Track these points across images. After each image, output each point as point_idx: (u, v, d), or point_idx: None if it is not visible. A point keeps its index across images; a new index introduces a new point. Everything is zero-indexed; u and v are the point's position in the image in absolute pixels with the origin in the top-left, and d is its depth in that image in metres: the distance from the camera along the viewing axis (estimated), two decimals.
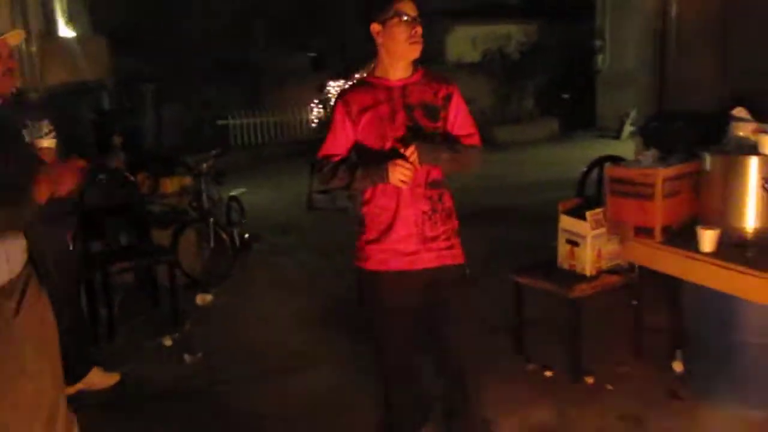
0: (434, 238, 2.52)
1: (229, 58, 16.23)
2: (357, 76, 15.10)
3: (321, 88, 16.52)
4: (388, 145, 2.46)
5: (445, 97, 2.54)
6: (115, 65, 10.06)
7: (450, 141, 2.54)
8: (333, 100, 2.62)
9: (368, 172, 2.45)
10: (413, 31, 2.42)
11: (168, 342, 4.45)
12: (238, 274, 5.85)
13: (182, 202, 6.16)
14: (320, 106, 16.60)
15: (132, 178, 5.64)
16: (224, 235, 5.84)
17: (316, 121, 16.70)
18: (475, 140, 2.62)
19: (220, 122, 15.73)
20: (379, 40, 2.45)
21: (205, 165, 6.11)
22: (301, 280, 5.80)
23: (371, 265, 2.55)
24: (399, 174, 2.39)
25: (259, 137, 16.22)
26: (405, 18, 2.40)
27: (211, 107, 15.67)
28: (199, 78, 15.34)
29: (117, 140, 6.43)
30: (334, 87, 15.89)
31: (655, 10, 5.49)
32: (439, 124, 2.52)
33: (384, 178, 2.42)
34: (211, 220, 5.81)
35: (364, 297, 2.64)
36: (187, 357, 4.20)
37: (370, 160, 2.46)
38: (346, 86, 2.70)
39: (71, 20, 9.93)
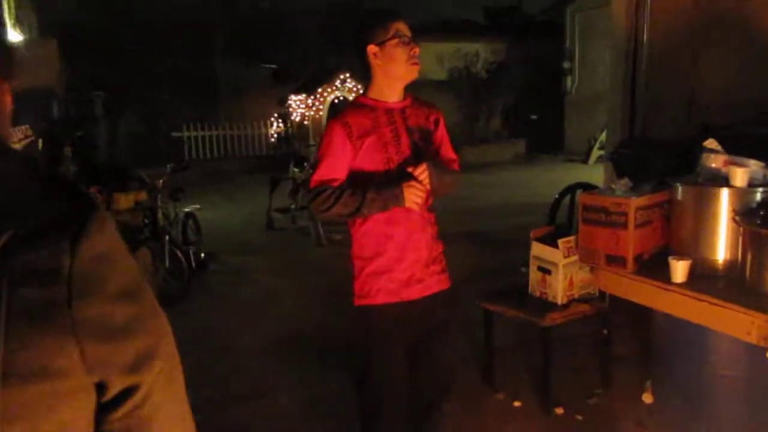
0: (434, 261, 2.58)
1: (187, 68, 16.17)
2: (320, 90, 15.18)
3: (282, 102, 16.54)
4: (393, 168, 2.43)
5: (434, 121, 2.62)
6: (65, 70, 9.95)
7: (443, 164, 2.61)
8: (328, 123, 2.58)
9: (381, 195, 2.37)
10: (412, 52, 2.46)
11: None
12: (194, 296, 5.81)
13: (136, 218, 6.10)
14: (280, 120, 16.60)
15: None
16: (180, 255, 5.81)
17: (275, 135, 16.69)
18: (457, 165, 2.70)
19: (175, 134, 15.61)
20: (377, 61, 2.44)
21: (161, 180, 6.08)
22: (261, 303, 5.78)
23: (382, 297, 2.47)
24: (414, 195, 2.37)
25: (216, 151, 16.16)
26: (404, 39, 2.44)
27: (167, 118, 15.55)
28: (155, 87, 15.23)
29: (67, 151, 6.35)
30: (295, 101, 15.92)
31: (625, 34, 5.66)
32: (433, 147, 2.59)
33: (399, 200, 2.37)
34: (167, 238, 5.77)
35: (369, 337, 2.49)
36: None
37: (366, 186, 2.40)
38: (343, 108, 2.65)
39: (19, 23, 9.79)
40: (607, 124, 7.16)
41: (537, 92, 17.29)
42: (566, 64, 17.06)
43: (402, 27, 2.45)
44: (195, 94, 16.38)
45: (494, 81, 17.02)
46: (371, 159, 2.43)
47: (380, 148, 2.44)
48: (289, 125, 16.22)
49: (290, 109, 16.31)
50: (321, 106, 15.13)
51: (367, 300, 2.49)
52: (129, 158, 11.75)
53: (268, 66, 18.94)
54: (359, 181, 2.43)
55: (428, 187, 2.43)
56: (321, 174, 2.44)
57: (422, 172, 2.40)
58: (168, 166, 6.48)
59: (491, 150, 16.50)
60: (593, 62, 15.74)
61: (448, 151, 2.66)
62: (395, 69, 2.45)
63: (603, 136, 11.36)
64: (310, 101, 15.49)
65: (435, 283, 2.56)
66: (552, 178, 12.01)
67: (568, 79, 17.17)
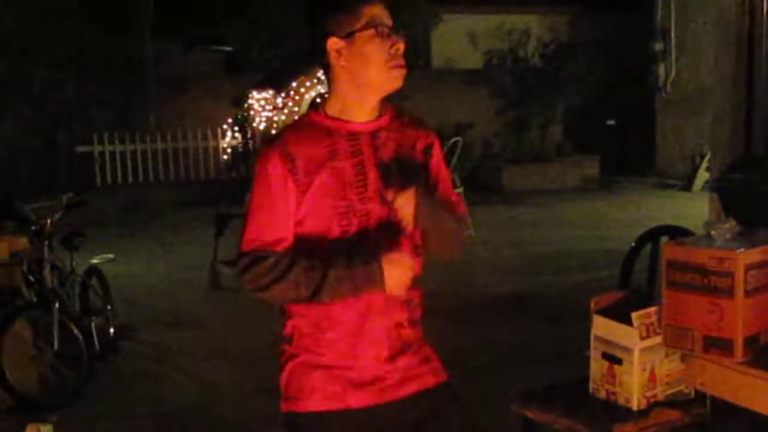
0: (403, 349, 2.52)
1: (100, 53, 16.25)
2: (295, 85, 15.32)
3: (238, 102, 16.62)
4: (354, 225, 2.39)
5: (425, 149, 2.56)
6: None
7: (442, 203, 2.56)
8: (262, 151, 2.54)
9: (351, 276, 2.34)
10: (393, 49, 2.40)
11: None
12: (95, 393, 5.77)
13: (11, 276, 6.09)
14: (236, 128, 16.67)
15: None
16: (76, 330, 5.79)
17: (229, 150, 16.76)
18: (462, 208, 2.70)
19: (80, 149, 15.71)
20: (341, 62, 2.41)
21: (50, 219, 6.08)
22: (195, 404, 5.75)
23: (315, 403, 2.46)
24: (399, 276, 2.37)
25: (141, 174, 16.24)
26: (382, 29, 2.39)
27: (67, 127, 15.65)
28: (53, 82, 15.32)
29: None
30: (258, 100, 16.03)
31: (739, 9, 5.70)
32: (420, 190, 2.47)
33: (377, 282, 2.36)
34: (56, 305, 5.75)
35: None
36: None
37: (315, 254, 2.37)
38: (283, 128, 2.62)
39: None
40: (713, 138, 7.19)
41: (616, 88, 17.36)
42: (657, 47, 17.15)
43: (379, 12, 2.39)
44: (111, 90, 16.48)
45: (553, 71, 17.12)
46: (322, 207, 2.38)
47: (336, 190, 2.39)
48: (248, 135, 16.28)
49: (251, 112, 16.40)
50: (296, 108, 15.21)
51: (297, 404, 2.48)
52: (8, 185, 11.80)
53: (218, 49, 19.12)
54: (303, 245, 2.40)
55: (409, 224, 2.39)
56: (257, 232, 2.40)
57: (407, 200, 2.35)
58: (63, 197, 6.49)
59: (548, 171, 16.57)
60: (698, 45, 15.82)
61: (448, 190, 2.62)
62: (368, 74, 2.40)
63: (711, 152, 11.40)
64: (279, 100, 15.58)
65: (408, 378, 2.51)
66: (636, 214, 12.00)
67: (661, 70, 17.25)
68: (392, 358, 2.49)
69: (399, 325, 2.49)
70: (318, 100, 15.27)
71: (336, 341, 2.45)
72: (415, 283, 2.48)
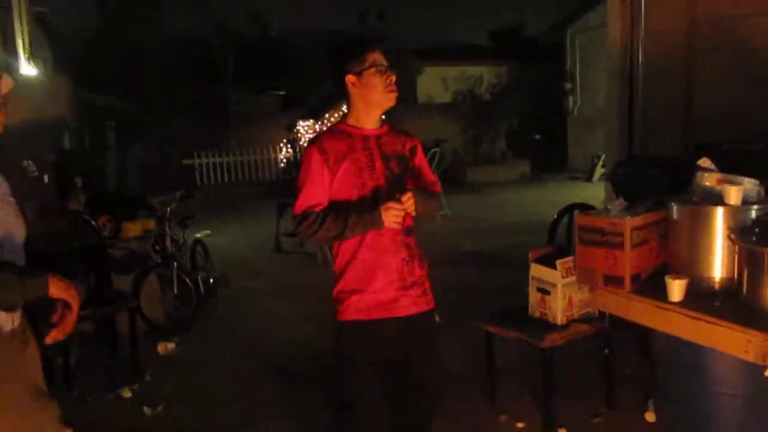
0: (412, 284, 2.58)
1: (198, 97, 16.27)
2: (327, 116, 15.25)
3: (290, 128, 16.62)
4: (367, 193, 2.49)
5: (411, 149, 2.66)
6: (77, 103, 10.02)
7: (422, 188, 2.65)
8: (306, 148, 2.62)
9: (362, 219, 2.44)
10: (389, 80, 2.50)
11: (127, 393, 4.36)
12: (202, 321, 5.79)
13: (145, 245, 6.10)
14: (289, 146, 16.66)
15: (93, 221, 5.59)
16: (188, 281, 5.79)
17: (284, 161, 16.75)
18: (438, 187, 2.76)
19: (186, 162, 15.69)
20: (355, 90, 2.51)
21: (169, 207, 6.08)
22: (267, 327, 5.75)
23: (351, 314, 2.54)
24: (392, 216, 2.43)
25: (226, 177, 16.22)
26: (381, 68, 2.49)
27: (178, 146, 15.65)
28: (166, 116, 15.34)
29: (78, 182, 6.37)
30: (303, 126, 16.01)
31: (621, 56, 5.66)
32: (407, 174, 2.63)
33: (378, 222, 2.43)
34: (175, 264, 5.76)
35: (342, 349, 2.59)
36: (146, 409, 4.11)
37: (347, 210, 2.47)
38: (319, 132, 2.73)
39: (33, 57, 9.91)
40: (606, 145, 7.14)
41: (540, 113, 17.30)
42: (567, 85, 17.08)
43: (378, 57, 2.51)
44: (206, 121, 16.48)
45: (498, 103, 17.05)
46: (345, 184, 2.49)
47: (355, 172, 2.49)
48: (297, 150, 16.27)
49: (298, 135, 16.40)
50: None
51: (340, 316, 2.58)
52: (140, 186, 11.79)
53: (276, 93, 19.07)
54: (336, 206, 2.49)
55: (413, 212, 2.48)
56: (304, 200, 2.50)
57: (408, 199, 2.45)
58: (176, 193, 6.49)
59: (497, 170, 16.49)
60: (594, 82, 15.71)
61: (429, 174, 2.72)
62: (373, 97, 2.51)
63: (604, 156, 11.32)
64: (317, 126, 15.58)
65: (411, 304, 2.58)
66: (555, 197, 11.96)
67: (570, 100, 17.17)
68: (403, 287, 2.56)
69: (404, 260, 2.57)
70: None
71: (364, 271, 2.53)
72: (409, 231, 2.60)
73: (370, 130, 2.56)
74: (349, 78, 2.50)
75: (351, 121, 2.57)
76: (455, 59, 19.28)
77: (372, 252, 2.51)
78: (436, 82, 18.77)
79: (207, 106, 16.45)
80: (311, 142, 2.57)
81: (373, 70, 2.48)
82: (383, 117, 2.63)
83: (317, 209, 2.48)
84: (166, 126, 15.36)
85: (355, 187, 2.49)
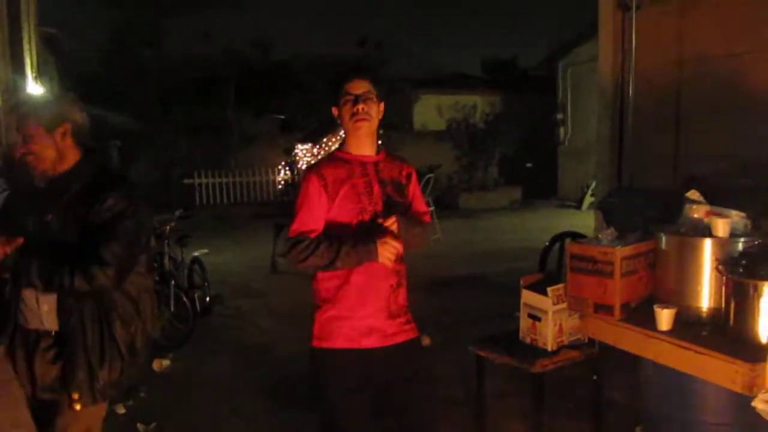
0: (398, 312, 2.54)
1: (200, 118, 16.31)
2: (324, 140, 15.27)
3: (288, 151, 16.65)
4: (366, 219, 2.45)
5: (407, 176, 2.65)
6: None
7: (413, 217, 2.62)
8: (304, 174, 2.60)
9: (356, 250, 2.38)
10: (355, 109, 2.47)
11: (121, 410, 4.30)
12: (197, 339, 5.73)
13: None
14: (287, 168, 16.68)
15: None
16: (185, 299, 5.74)
17: (282, 183, 16.75)
18: (428, 217, 2.74)
19: (186, 181, 15.66)
20: (339, 121, 2.54)
21: (168, 226, 6.06)
22: (262, 347, 5.70)
23: (340, 342, 2.47)
24: (387, 252, 2.38)
25: (225, 198, 16.19)
26: (349, 98, 2.47)
27: (178, 166, 15.63)
28: (168, 136, 15.34)
29: None
30: (301, 150, 16.03)
31: (611, 91, 5.70)
32: (406, 200, 2.61)
33: (373, 256, 2.38)
34: (172, 282, 5.72)
35: (326, 379, 2.50)
36: (140, 426, 4.06)
37: (341, 236, 2.42)
38: (319, 160, 2.70)
39: (40, 76, 9.92)
40: (596, 175, 7.16)
41: (532, 142, 17.36)
42: (559, 116, 17.17)
43: (351, 86, 2.50)
44: (207, 142, 16.49)
45: (491, 131, 17.12)
46: (345, 209, 2.46)
47: (354, 197, 2.47)
48: (295, 173, 16.29)
49: (296, 158, 16.43)
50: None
51: (325, 343, 2.50)
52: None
53: (276, 117, 19.12)
54: (335, 231, 2.45)
55: (398, 238, 2.45)
56: (299, 224, 2.46)
57: (393, 223, 2.43)
58: (176, 212, 6.47)
59: (489, 197, 16.52)
60: (585, 113, 15.83)
61: (419, 204, 2.70)
62: (345, 125, 2.53)
63: (594, 185, 11.38)
64: (315, 150, 15.62)
65: (399, 332, 2.54)
66: (546, 223, 11.99)
67: (561, 130, 17.26)
68: (390, 316, 2.52)
69: (391, 286, 2.52)
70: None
71: (351, 298, 2.47)
72: (401, 259, 2.55)
73: (367, 156, 2.54)
74: (334, 110, 2.54)
75: (347, 148, 2.56)
76: (450, 88, 19.41)
77: (363, 276, 2.45)
78: (431, 110, 18.86)
79: (208, 127, 16.47)
80: (310, 168, 2.54)
81: (343, 100, 2.49)
82: (379, 143, 2.63)
83: (311, 235, 2.43)
84: (168, 145, 15.36)
85: (354, 211, 2.45)
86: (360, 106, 2.47)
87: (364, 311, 2.47)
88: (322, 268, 2.45)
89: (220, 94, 17.94)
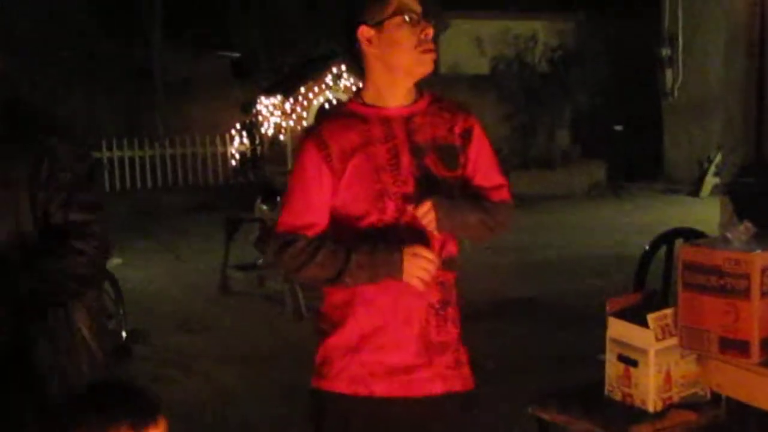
0: (441, 348, 2.52)
1: (109, 60, 16.25)
2: (304, 90, 15.33)
3: (246, 108, 16.62)
4: (390, 208, 2.43)
5: (463, 132, 2.59)
6: None
7: (471, 195, 2.58)
8: (300, 140, 2.59)
9: (373, 260, 2.38)
10: (423, 34, 2.47)
11: None
12: None
13: None
14: (245, 134, 16.67)
15: None
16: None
17: (237, 157, 16.76)
18: (505, 194, 2.69)
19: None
20: (372, 50, 2.48)
21: None
22: (207, 410, 5.73)
23: (341, 385, 2.48)
24: (417, 269, 2.36)
25: (149, 180, 16.27)
26: (411, 16, 2.45)
27: (75, 132, 15.63)
28: (62, 87, 15.31)
29: None
30: (267, 106, 16.02)
31: (746, 16, 5.69)
32: (459, 172, 2.55)
33: (396, 271, 2.37)
34: None
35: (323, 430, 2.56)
36: None
37: (351, 239, 2.41)
38: (320, 117, 2.69)
39: None
40: (722, 144, 7.17)
41: (623, 93, 17.32)
42: (665, 53, 17.12)
43: (408, 0, 2.47)
44: (120, 97, 16.50)
45: (560, 77, 17.09)
46: (356, 192, 2.44)
47: (369, 175, 2.44)
48: (257, 142, 16.29)
49: (259, 118, 16.39)
50: (305, 114, 15.21)
51: (324, 383, 2.53)
52: None
53: (227, 55, 19.10)
54: (344, 226, 2.45)
55: (435, 234, 2.43)
56: (291, 217, 2.48)
57: (426, 213, 2.38)
58: None
59: (556, 177, 16.53)
60: (705, 50, 15.80)
61: (489, 174, 2.65)
62: (399, 59, 2.48)
63: (720, 158, 11.38)
64: (288, 106, 15.58)
65: (436, 378, 2.51)
66: (645, 219, 11.96)
67: (668, 75, 17.22)
68: (428, 350, 2.48)
69: (432, 307, 2.48)
70: (327, 107, 15.28)
71: (366, 321, 2.46)
72: (449, 264, 2.51)
73: (395, 108, 2.52)
74: (364, 31, 2.47)
75: (368, 97, 2.54)
76: (496, 10, 19.37)
77: (389, 293, 2.43)
78: (466, 44, 18.84)
79: (123, 73, 16.45)
80: (308, 131, 2.56)
81: (398, 19, 2.45)
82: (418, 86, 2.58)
83: (309, 233, 2.44)
84: (62, 100, 15.35)
85: (369, 196, 2.43)
86: (429, 30, 2.47)
87: (385, 340, 2.46)
88: (325, 283, 2.47)
89: (138, 22, 17.92)
